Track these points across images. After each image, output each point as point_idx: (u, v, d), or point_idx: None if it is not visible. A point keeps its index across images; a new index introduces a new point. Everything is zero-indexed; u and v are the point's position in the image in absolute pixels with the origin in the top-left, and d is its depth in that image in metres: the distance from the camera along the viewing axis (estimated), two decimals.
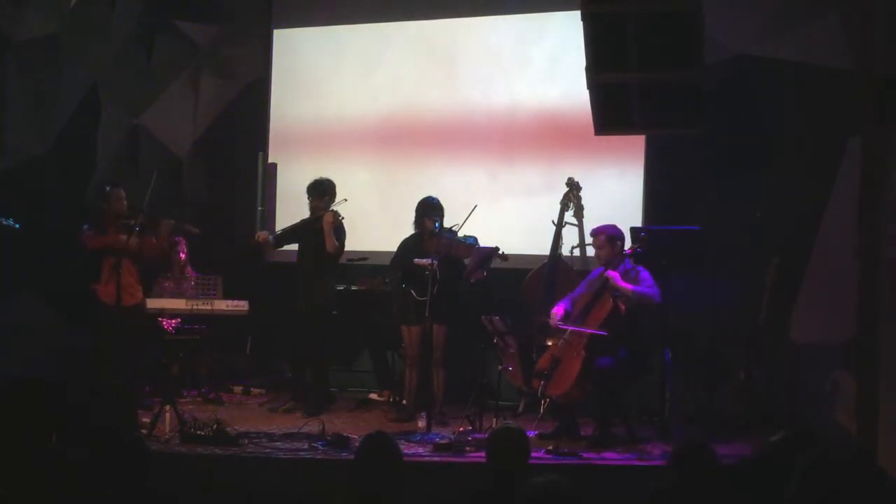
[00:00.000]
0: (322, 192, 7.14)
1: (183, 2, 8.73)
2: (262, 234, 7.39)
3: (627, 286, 6.07)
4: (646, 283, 6.13)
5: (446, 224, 6.80)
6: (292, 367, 7.54)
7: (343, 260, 7.31)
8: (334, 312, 7.33)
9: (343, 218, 7.04)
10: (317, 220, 7.05)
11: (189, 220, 7.32)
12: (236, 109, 8.88)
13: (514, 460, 3.70)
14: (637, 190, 7.49)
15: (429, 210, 6.86)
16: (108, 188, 7.00)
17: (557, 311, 6.25)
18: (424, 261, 6.66)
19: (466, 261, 6.89)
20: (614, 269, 6.16)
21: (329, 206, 7.08)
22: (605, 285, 6.14)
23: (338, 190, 7.19)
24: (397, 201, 7.94)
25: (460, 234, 6.69)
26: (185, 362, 7.74)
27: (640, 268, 6.24)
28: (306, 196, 7.20)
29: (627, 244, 6.39)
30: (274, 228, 8.01)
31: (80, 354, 7.12)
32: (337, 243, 6.99)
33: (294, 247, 7.34)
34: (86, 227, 6.95)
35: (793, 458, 3.22)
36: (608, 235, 6.28)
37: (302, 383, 7.22)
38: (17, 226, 7.03)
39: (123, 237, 6.69)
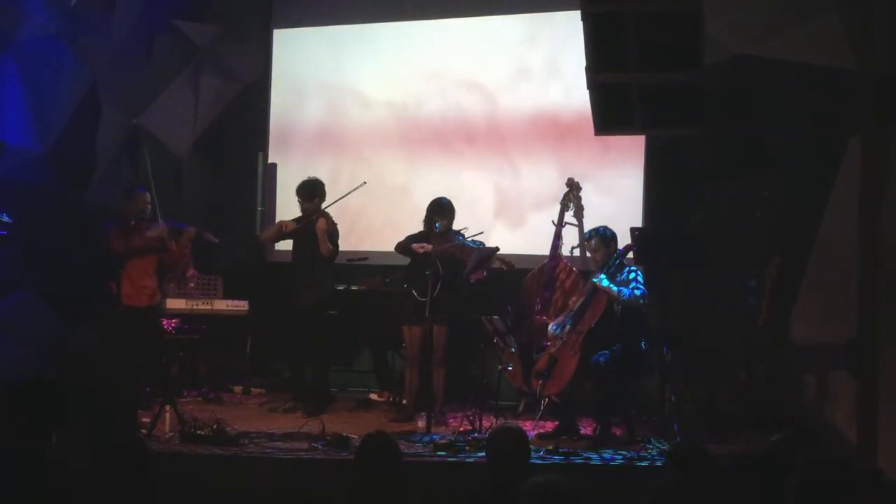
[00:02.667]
0: (311, 193, 7.09)
1: (183, 2, 8.72)
2: (286, 224, 7.29)
3: (612, 291, 6.11)
4: (633, 285, 6.14)
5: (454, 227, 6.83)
6: (292, 367, 7.54)
7: (343, 260, 7.30)
8: (334, 312, 7.32)
9: (336, 224, 7.03)
10: (310, 224, 7.02)
11: (189, 221, 7.33)
12: (236, 109, 8.88)
13: (514, 460, 3.70)
14: (637, 190, 7.50)
15: (439, 210, 6.85)
16: (134, 190, 7.05)
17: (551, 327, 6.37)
18: (423, 244, 6.73)
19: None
20: (609, 269, 6.20)
21: (320, 207, 7.06)
22: (596, 289, 6.21)
23: (337, 190, 7.20)
24: (397, 201, 7.95)
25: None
26: (185, 362, 7.75)
27: (634, 268, 6.26)
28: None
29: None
30: None
31: (80, 354, 7.11)
32: (331, 247, 6.98)
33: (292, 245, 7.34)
34: (108, 224, 6.97)
35: (793, 458, 3.23)
36: (600, 238, 6.33)
37: (302, 383, 7.23)
38: (9, 220, 7.04)
39: (148, 234, 6.80)
